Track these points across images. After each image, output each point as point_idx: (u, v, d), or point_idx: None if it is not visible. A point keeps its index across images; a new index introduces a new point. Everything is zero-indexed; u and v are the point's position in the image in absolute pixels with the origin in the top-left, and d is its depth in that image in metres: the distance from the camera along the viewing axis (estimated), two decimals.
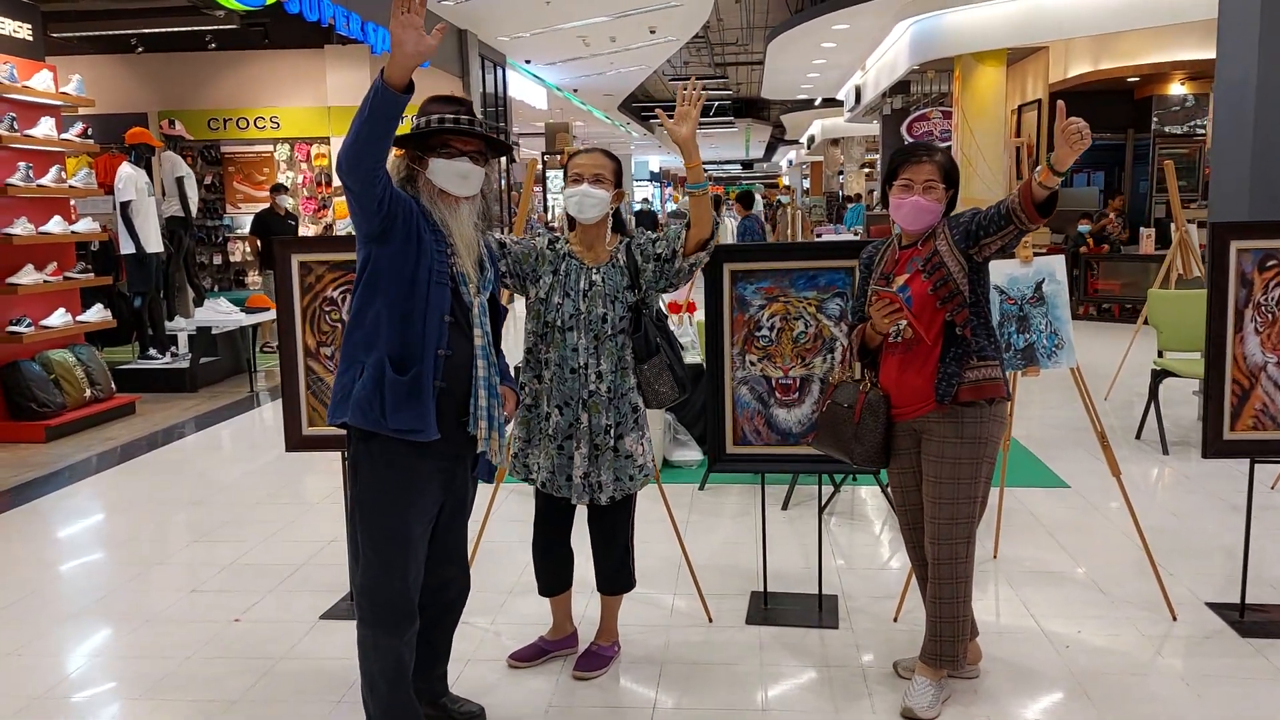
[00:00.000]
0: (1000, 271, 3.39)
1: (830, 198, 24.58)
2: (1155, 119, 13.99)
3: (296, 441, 3.31)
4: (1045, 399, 7.01)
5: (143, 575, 4.00)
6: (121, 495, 5.24)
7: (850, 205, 18.49)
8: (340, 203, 12.48)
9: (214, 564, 4.06)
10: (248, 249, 12.12)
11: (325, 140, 13.22)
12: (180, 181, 8.69)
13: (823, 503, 4.27)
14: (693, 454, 5.36)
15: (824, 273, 3.30)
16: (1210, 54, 11.67)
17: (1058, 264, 3.37)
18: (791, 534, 4.30)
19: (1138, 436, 5.85)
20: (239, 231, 13.52)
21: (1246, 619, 3.35)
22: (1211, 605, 3.50)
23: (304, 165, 13.52)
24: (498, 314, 2.59)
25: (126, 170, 7.77)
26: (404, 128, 2.35)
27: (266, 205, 10.84)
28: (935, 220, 2.74)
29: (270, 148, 13.38)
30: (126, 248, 7.71)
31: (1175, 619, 3.39)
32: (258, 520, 4.66)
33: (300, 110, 13.25)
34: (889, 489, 2.97)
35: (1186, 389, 6.52)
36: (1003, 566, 3.88)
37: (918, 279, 2.70)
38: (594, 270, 2.92)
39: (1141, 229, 11.57)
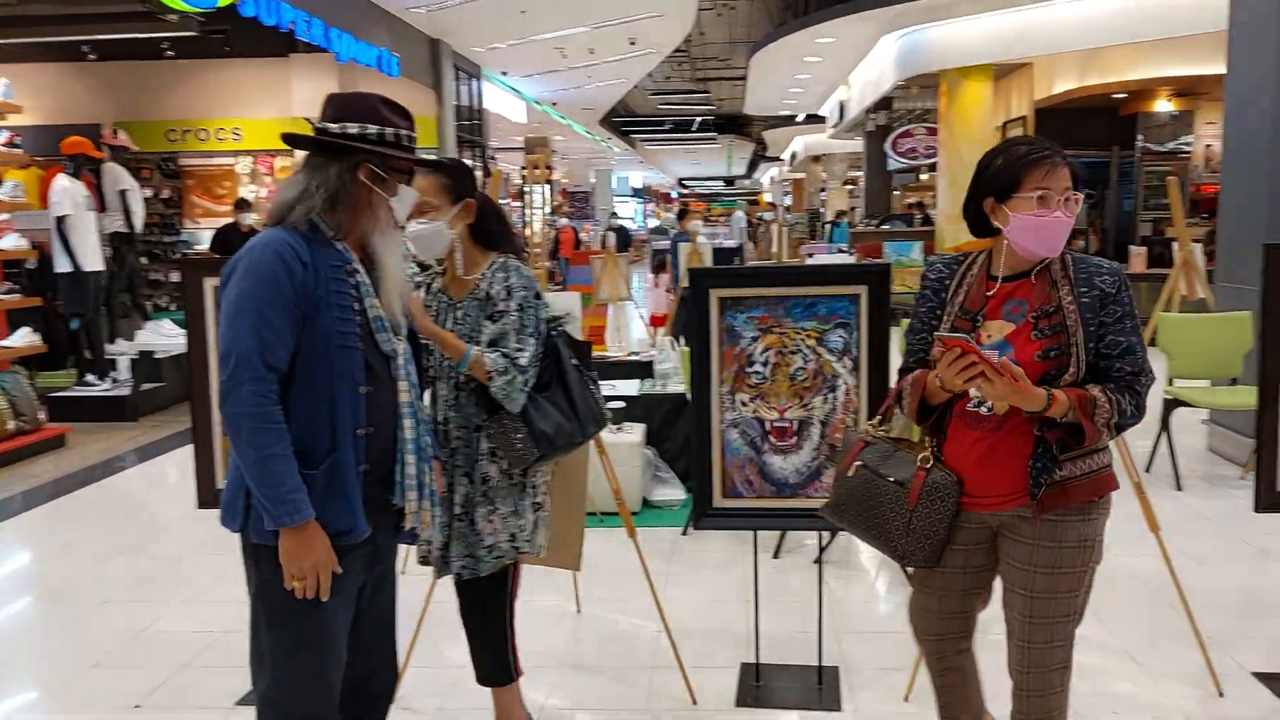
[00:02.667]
0: None
1: (812, 215, 24.28)
2: (1140, 136, 13.76)
3: (209, 497, 2.83)
4: None
5: (42, 644, 3.50)
6: (38, 541, 4.73)
7: (836, 223, 18.15)
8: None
9: (126, 629, 3.56)
10: None
11: (290, 153, 12.73)
12: (123, 195, 8.17)
13: (820, 549, 3.84)
14: (675, 493, 4.91)
15: (824, 300, 2.87)
16: (1197, 70, 11.51)
17: None
18: (785, 588, 3.85)
19: (1146, 470, 5.46)
20: (198, 248, 12.97)
21: None
22: (1260, 676, 3.08)
23: (268, 179, 13.02)
24: (419, 351, 2.14)
25: (62, 183, 7.24)
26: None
27: (229, 221, 10.34)
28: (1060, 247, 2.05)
29: (231, 160, 12.87)
30: (62, 265, 7.16)
31: (1221, 694, 2.98)
32: (184, 574, 4.16)
33: (264, 122, 12.75)
34: (916, 586, 2.31)
35: (1194, 418, 6.15)
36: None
37: (1025, 337, 2.01)
38: (457, 307, 2.48)
39: (1131, 248, 11.28)
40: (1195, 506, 4.89)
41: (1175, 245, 6.60)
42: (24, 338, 6.33)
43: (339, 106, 1.97)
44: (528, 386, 2.40)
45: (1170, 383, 5.61)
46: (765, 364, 2.92)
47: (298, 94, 12.51)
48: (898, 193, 21.08)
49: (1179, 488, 5.14)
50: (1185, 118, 13.38)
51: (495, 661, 2.58)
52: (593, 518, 4.06)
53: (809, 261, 10.76)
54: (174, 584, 4.04)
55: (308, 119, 2.04)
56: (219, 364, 1.83)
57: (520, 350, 2.39)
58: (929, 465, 2.09)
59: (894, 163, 17.19)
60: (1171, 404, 5.33)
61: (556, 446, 2.46)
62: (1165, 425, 5.31)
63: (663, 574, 4.03)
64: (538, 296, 2.48)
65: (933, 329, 2.12)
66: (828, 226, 18.96)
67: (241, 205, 10.31)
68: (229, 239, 9.57)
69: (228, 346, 1.78)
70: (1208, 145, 13.36)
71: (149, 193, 12.77)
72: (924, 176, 20.39)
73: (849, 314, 2.87)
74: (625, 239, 17.23)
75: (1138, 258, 11.11)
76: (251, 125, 12.74)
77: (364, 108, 1.95)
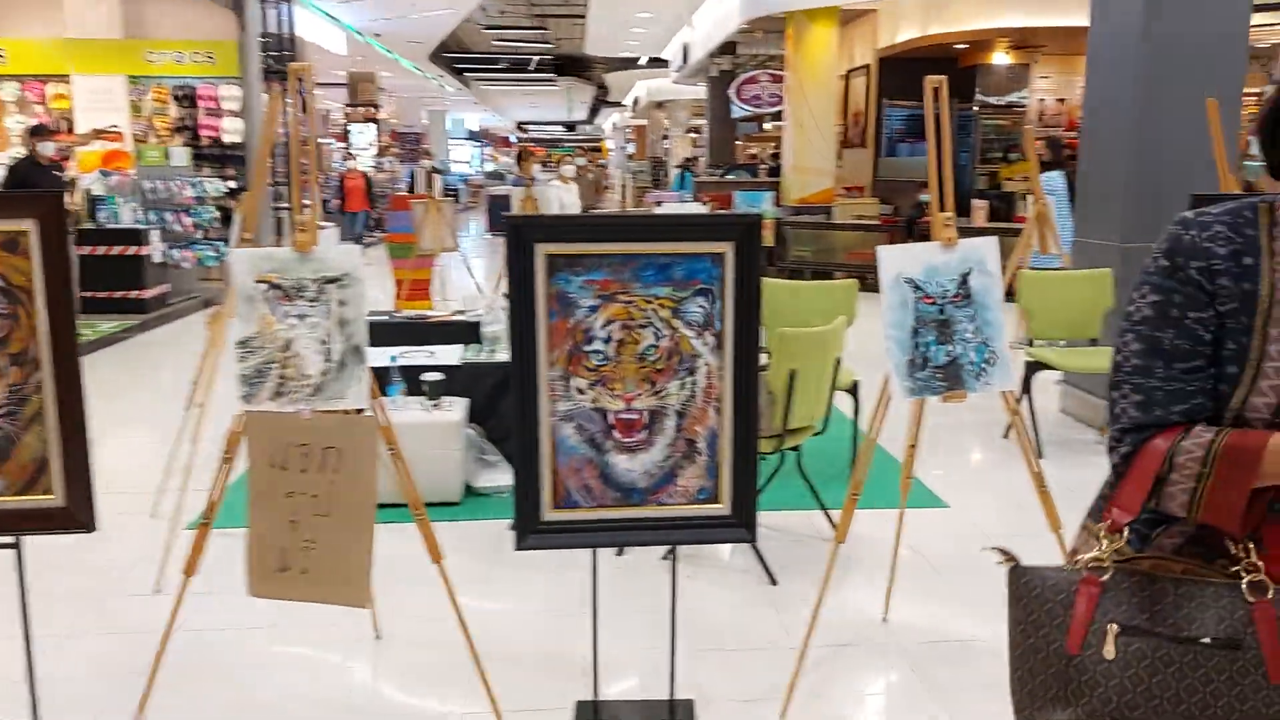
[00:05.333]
0: (914, 260, 2.46)
1: (656, 163, 23.76)
2: (979, 89, 13.86)
3: None
4: None
5: None
6: None
7: (679, 171, 17.67)
8: (87, 154, 10.43)
9: None
10: None
11: (64, 79, 11.06)
12: None
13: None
14: (504, 478, 4.25)
15: (681, 261, 2.26)
16: (1035, 21, 11.56)
17: (989, 249, 2.48)
18: (630, 595, 3.29)
19: (1004, 436, 5.22)
20: None
21: None
22: None
23: (38, 108, 11.29)
24: None
25: None
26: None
27: (22, 153, 8.59)
28: None
29: None
30: None
31: None
32: None
33: (32, 43, 11.02)
34: None
35: (1048, 379, 5.99)
36: (895, 637, 3.03)
37: None
38: None
39: (974, 201, 11.30)
40: (1058, 477, 4.63)
41: (1030, 199, 6.39)
42: None
43: None
44: None
45: (1030, 344, 5.37)
46: (608, 341, 2.29)
47: (71, 11, 10.84)
48: (740, 142, 20.82)
49: (1040, 454, 4.89)
50: (1021, 71, 13.54)
51: None
52: (398, 510, 3.37)
53: (659, 211, 10.21)
54: None
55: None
56: None
57: None
58: (1269, 592, 1.13)
59: (738, 110, 16.82)
60: (1033, 366, 5.07)
61: None
62: (1027, 390, 5.06)
63: (486, 581, 3.39)
64: None
65: (1213, 347, 1.20)
66: (674, 174, 18.46)
67: (38, 132, 8.54)
68: (26, 175, 7.98)
69: None
70: (1041, 99, 13.61)
71: None
72: (767, 126, 20.21)
73: (712, 278, 2.27)
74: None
75: (979, 211, 11.14)
76: (18, 46, 10.99)
77: None
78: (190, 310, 9.87)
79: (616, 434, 2.33)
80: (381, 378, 4.17)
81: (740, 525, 2.37)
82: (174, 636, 2.51)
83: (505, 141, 46.40)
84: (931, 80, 2.57)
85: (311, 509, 2.22)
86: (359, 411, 2.29)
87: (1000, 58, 13.62)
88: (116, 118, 11.25)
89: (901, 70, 13.41)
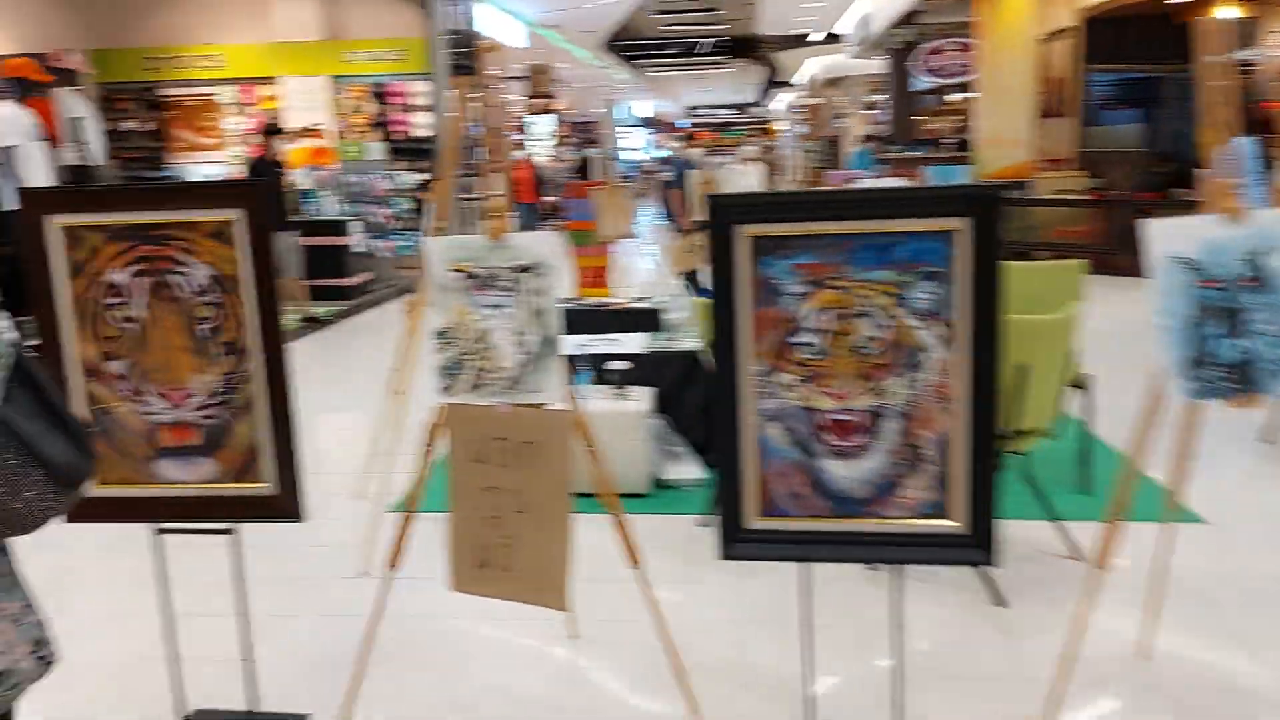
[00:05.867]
0: (1190, 235, 2.10)
1: (830, 142, 23.04)
2: (1198, 48, 12.56)
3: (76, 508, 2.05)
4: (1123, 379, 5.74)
5: None
6: None
7: (858, 148, 17.04)
8: (295, 151, 11.06)
9: None
10: None
11: (272, 81, 11.76)
12: (76, 124, 7.27)
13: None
14: (691, 470, 4.10)
15: (905, 241, 2.01)
16: None
17: None
18: (829, 606, 3.05)
19: (1267, 440, 4.56)
20: None
21: None
22: None
23: (251, 109, 12.06)
24: None
25: (3, 110, 6.41)
26: None
27: (256, 153, 8.92)
28: None
29: (213, 90, 11.92)
30: (11, 202, 6.37)
31: None
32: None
33: (245, 48, 11.76)
34: None
35: None
36: (1154, 676, 2.66)
37: None
38: None
39: (1197, 171, 10.23)
40: None
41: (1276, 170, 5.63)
42: None
43: None
44: None
45: None
46: (819, 332, 2.07)
47: (281, 17, 11.51)
48: (919, 117, 19.84)
49: None
50: (1251, 26, 12.16)
51: None
52: (588, 501, 3.29)
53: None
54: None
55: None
56: None
57: None
58: None
59: (922, 82, 16.01)
60: None
61: (74, 487, 1.50)
62: None
63: (676, 581, 3.24)
64: None
65: None
66: (851, 152, 17.82)
67: (272, 131, 8.81)
68: (262, 175, 8.36)
69: None
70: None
71: (131, 125, 11.88)
72: (949, 98, 19.18)
73: (942, 260, 2.01)
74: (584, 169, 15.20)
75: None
76: (233, 52, 11.76)
77: None
78: (390, 297, 10.33)
79: (829, 436, 2.11)
80: (569, 367, 4.12)
81: (976, 545, 2.10)
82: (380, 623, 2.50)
83: (672, 127, 46.41)
84: (1204, 21, 2.19)
85: (512, 505, 2.13)
86: (553, 406, 2.18)
87: (1225, 11, 12.28)
88: (319, 116, 11.88)
89: (1110, 31, 12.34)
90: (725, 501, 2.15)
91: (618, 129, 35.58)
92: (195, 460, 2.01)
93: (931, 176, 6.97)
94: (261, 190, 1.94)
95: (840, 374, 2.08)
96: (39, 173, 6.53)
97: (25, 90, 6.70)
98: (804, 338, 2.07)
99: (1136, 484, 2.33)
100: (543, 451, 2.11)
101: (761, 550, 2.17)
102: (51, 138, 6.78)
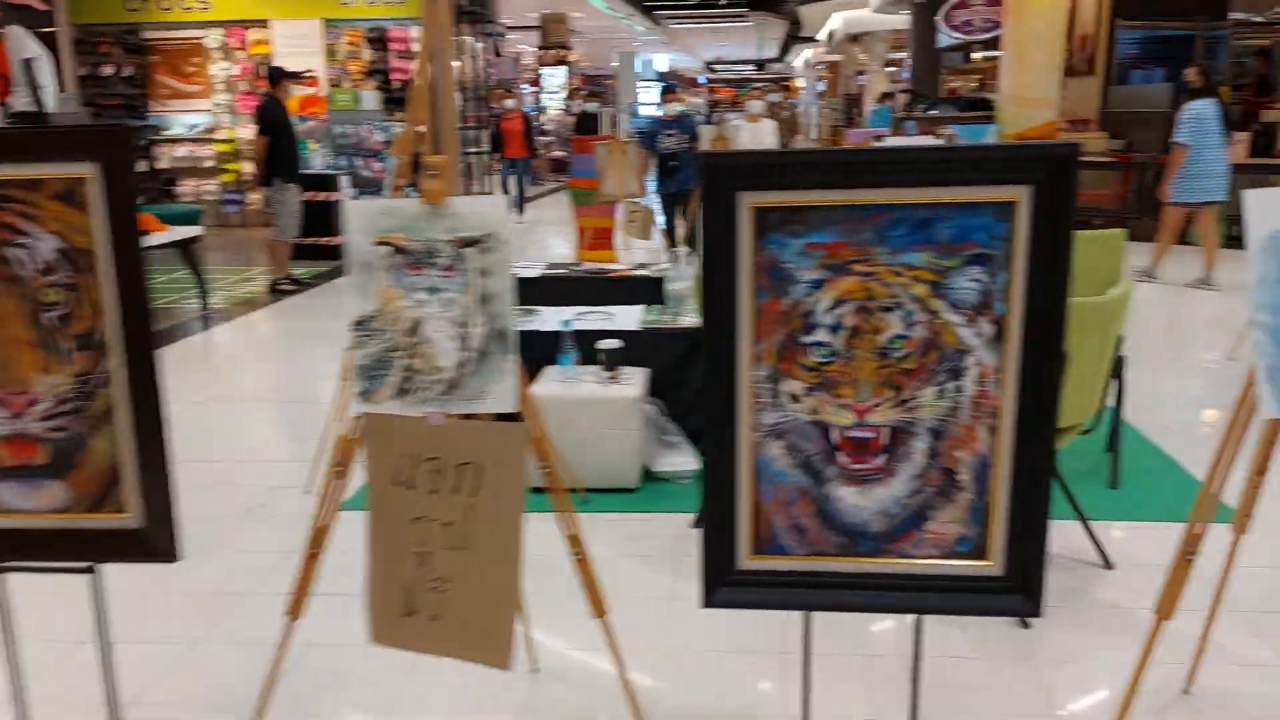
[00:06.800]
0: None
1: (850, 99, 22.31)
2: (1233, 3, 11.89)
3: None
4: (1161, 359, 5.29)
5: None
6: None
7: (877, 106, 16.39)
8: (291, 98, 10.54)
9: None
10: (255, 152, 7.88)
11: (263, 24, 11.23)
12: (30, 66, 6.81)
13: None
14: (687, 461, 3.69)
15: (950, 215, 1.57)
16: None
17: None
18: (834, 636, 2.65)
19: None
20: (166, 133, 11.65)
21: None
22: None
23: (240, 54, 11.56)
24: None
25: None
26: None
27: (265, 96, 8.06)
28: None
29: (200, 33, 11.40)
30: None
31: None
32: None
33: None
34: None
35: None
36: (1199, 709, 2.25)
37: None
38: None
39: (1234, 134, 9.66)
40: None
41: None
42: None
43: None
44: None
45: None
46: (836, 329, 1.64)
47: None
48: (945, 75, 19.09)
49: None
50: None
51: None
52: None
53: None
54: None
55: None
56: None
57: None
58: None
59: (946, 38, 15.32)
60: None
61: None
62: None
63: (664, 596, 2.85)
64: None
65: None
66: (870, 110, 17.19)
67: (281, 75, 7.77)
68: (276, 118, 7.53)
69: None
70: None
71: (109, 70, 11.39)
72: (975, 56, 18.43)
73: (994, 239, 1.57)
74: (590, 124, 14.01)
75: (1238, 146, 9.52)
76: None
77: None
78: None
79: (843, 457, 1.69)
80: (553, 345, 3.70)
81: (1017, 591, 1.68)
82: (297, 652, 2.12)
83: (693, 82, 45.36)
84: None
85: (444, 540, 1.72)
86: (505, 416, 1.76)
87: None
88: (312, 62, 11.35)
89: None
90: (712, 536, 1.73)
91: (639, 83, 34.69)
92: (40, 484, 1.60)
93: (961, 137, 6.46)
94: (121, 136, 1.51)
95: (860, 381, 1.65)
96: None
97: None
98: (817, 336, 1.65)
99: (1211, 516, 1.91)
100: (486, 475, 1.70)
101: (755, 596, 1.75)
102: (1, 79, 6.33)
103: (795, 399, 1.68)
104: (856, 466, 1.69)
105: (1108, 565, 2.96)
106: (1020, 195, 1.55)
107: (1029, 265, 1.56)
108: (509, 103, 11.49)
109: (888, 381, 1.65)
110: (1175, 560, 1.91)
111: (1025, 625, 2.64)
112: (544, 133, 15.09)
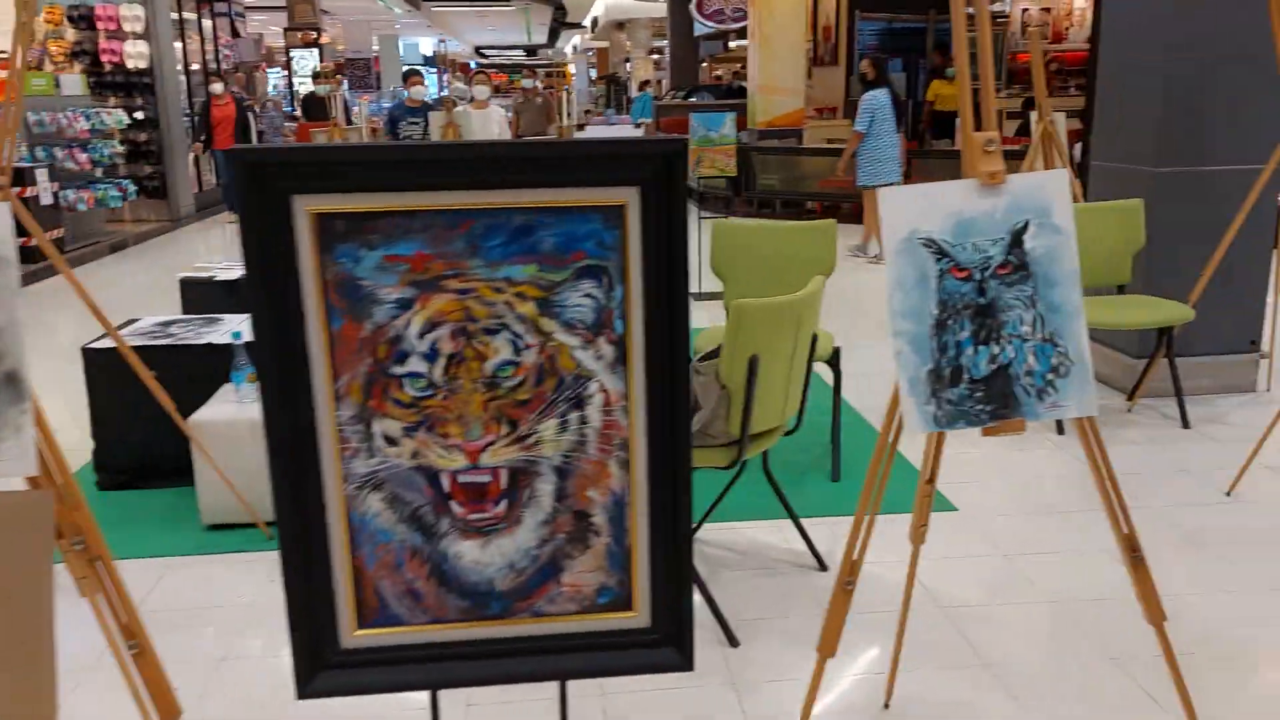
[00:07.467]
0: (935, 207, 1.55)
1: (610, 79, 22.40)
2: None
3: None
4: (877, 336, 5.45)
5: None
6: None
7: (638, 94, 16.50)
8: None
9: None
10: None
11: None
12: None
13: None
14: None
15: (553, 221, 1.34)
16: None
17: (1056, 189, 1.57)
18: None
19: (1130, 397, 4.32)
20: None
21: None
22: None
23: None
24: None
25: None
26: None
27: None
28: None
29: None
30: None
31: None
32: None
33: None
34: None
35: None
36: None
37: None
38: None
39: (960, 121, 10.35)
40: (1082, 458, 3.81)
41: (1033, 116, 5.46)
42: None
43: None
44: None
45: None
46: (432, 357, 1.37)
47: None
48: (705, 64, 19.55)
49: (1060, 431, 4.05)
50: None
51: None
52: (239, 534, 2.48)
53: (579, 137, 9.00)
54: None
55: None
56: None
57: None
58: None
59: (700, 27, 15.62)
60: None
61: None
62: (1165, 347, 4.16)
63: None
64: None
65: None
66: (634, 97, 17.31)
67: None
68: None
69: None
70: (1024, 10, 12.58)
71: None
72: (733, 45, 18.96)
73: (603, 248, 1.35)
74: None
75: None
76: None
77: None
78: (96, 256, 8.82)
79: (457, 507, 1.43)
80: (225, 360, 3.25)
81: (666, 644, 1.49)
82: None
83: (465, 68, 44.33)
84: None
85: None
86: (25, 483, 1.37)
87: None
88: (3, 42, 9.96)
89: None
90: (302, 613, 1.42)
91: (404, 68, 33.37)
92: None
93: (696, 125, 6.46)
94: None
95: (468, 417, 1.40)
96: None
97: None
98: (411, 366, 1.37)
99: (870, 530, 1.82)
100: (2, 555, 1.31)
101: (366, 678, 1.47)
102: None
103: (392, 441, 1.40)
104: (474, 516, 1.44)
105: (822, 567, 2.90)
106: (628, 198, 1.34)
107: (644, 276, 1.36)
108: (216, 87, 10.43)
109: (500, 416, 1.40)
110: (835, 591, 1.79)
111: (733, 643, 2.51)
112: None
